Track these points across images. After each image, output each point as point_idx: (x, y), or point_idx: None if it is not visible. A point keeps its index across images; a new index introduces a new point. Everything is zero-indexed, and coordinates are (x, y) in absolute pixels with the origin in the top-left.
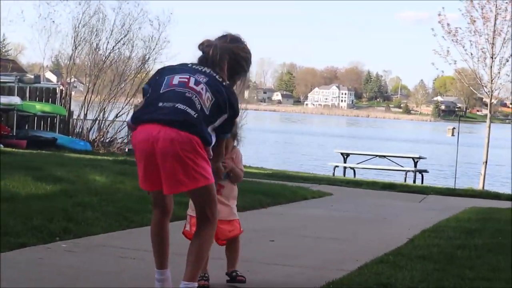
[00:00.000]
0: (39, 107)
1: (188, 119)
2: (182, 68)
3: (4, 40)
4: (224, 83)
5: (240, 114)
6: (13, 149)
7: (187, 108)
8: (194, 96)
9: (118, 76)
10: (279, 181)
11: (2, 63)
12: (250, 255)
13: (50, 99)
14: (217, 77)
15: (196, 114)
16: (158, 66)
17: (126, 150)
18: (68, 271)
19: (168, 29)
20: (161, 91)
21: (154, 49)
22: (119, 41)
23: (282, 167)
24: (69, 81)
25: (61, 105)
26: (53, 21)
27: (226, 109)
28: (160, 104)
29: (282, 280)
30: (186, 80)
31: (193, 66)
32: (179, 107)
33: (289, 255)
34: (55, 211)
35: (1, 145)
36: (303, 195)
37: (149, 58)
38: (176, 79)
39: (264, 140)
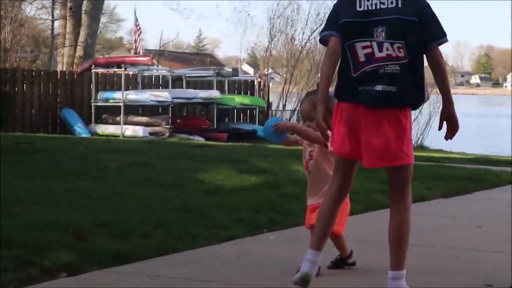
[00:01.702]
0: (238, 99)
1: (389, 97)
2: (360, 30)
3: (200, 35)
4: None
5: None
6: (215, 142)
7: (385, 87)
8: (387, 67)
9: (315, 66)
10: (482, 166)
11: (200, 58)
12: (457, 241)
13: (248, 92)
14: (394, 9)
15: (396, 87)
16: None
17: None
18: (276, 262)
19: None
20: (353, 74)
21: None
22: (315, 30)
23: (484, 151)
24: (266, 73)
25: (260, 96)
26: (248, 14)
27: (419, 26)
28: (360, 88)
29: (490, 267)
30: (370, 51)
31: (372, 14)
32: (377, 89)
33: (498, 241)
34: (261, 203)
35: (203, 139)
36: (508, 179)
37: None
38: (360, 53)
39: (464, 124)
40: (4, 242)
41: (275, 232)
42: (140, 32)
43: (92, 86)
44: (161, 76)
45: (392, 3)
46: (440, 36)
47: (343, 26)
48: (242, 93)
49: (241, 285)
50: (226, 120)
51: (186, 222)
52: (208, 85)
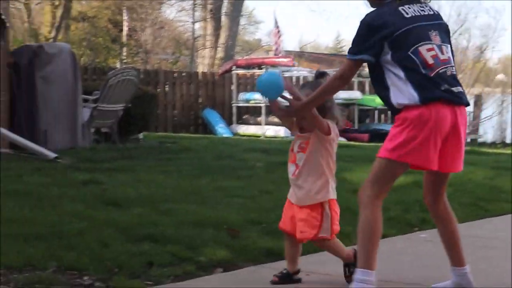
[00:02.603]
0: (379, 100)
1: (465, 97)
2: (418, 34)
3: (339, 36)
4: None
5: None
6: (357, 143)
7: (460, 88)
8: (452, 68)
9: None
10: None
11: (340, 59)
12: None
13: None
14: (435, 16)
15: (461, 87)
16: (496, 55)
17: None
18: (429, 260)
19: (505, 17)
20: (430, 75)
21: (491, 37)
22: (456, 31)
23: None
24: None
25: None
26: None
27: None
28: (443, 87)
29: None
30: (435, 53)
31: (421, 19)
32: (459, 89)
33: None
34: (411, 202)
35: (344, 139)
36: None
37: (486, 47)
38: (428, 57)
39: None
40: (159, 238)
41: (427, 231)
42: (280, 34)
43: (233, 87)
44: (301, 77)
45: (430, 10)
46: None
47: (397, 37)
48: None
49: (396, 281)
50: (367, 121)
51: None
52: (348, 86)
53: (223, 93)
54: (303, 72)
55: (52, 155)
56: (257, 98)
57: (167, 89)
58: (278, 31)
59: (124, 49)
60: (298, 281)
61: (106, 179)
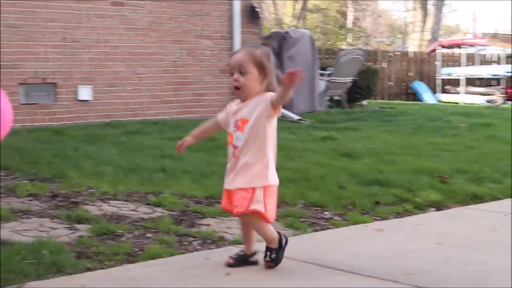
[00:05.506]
0: None
1: None
2: None
3: None
4: None
5: None
6: None
7: None
8: None
9: None
10: None
11: None
12: None
13: None
14: None
15: None
16: None
17: None
18: None
19: None
20: None
21: None
22: None
23: None
24: None
25: None
26: None
27: None
28: None
29: None
30: None
31: None
32: None
33: None
34: None
35: None
36: None
37: None
38: None
39: None
40: (384, 183)
41: None
42: (476, 19)
43: (438, 63)
44: (496, 54)
45: None
46: None
47: None
48: None
49: None
50: None
51: None
52: None
53: (429, 68)
54: (496, 50)
55: (296, 117)
56: (457, 72)
57: (384, 65)
58: (475, 17)
59: (349, 34)
60: (255, 263)
61: (339, 135)
